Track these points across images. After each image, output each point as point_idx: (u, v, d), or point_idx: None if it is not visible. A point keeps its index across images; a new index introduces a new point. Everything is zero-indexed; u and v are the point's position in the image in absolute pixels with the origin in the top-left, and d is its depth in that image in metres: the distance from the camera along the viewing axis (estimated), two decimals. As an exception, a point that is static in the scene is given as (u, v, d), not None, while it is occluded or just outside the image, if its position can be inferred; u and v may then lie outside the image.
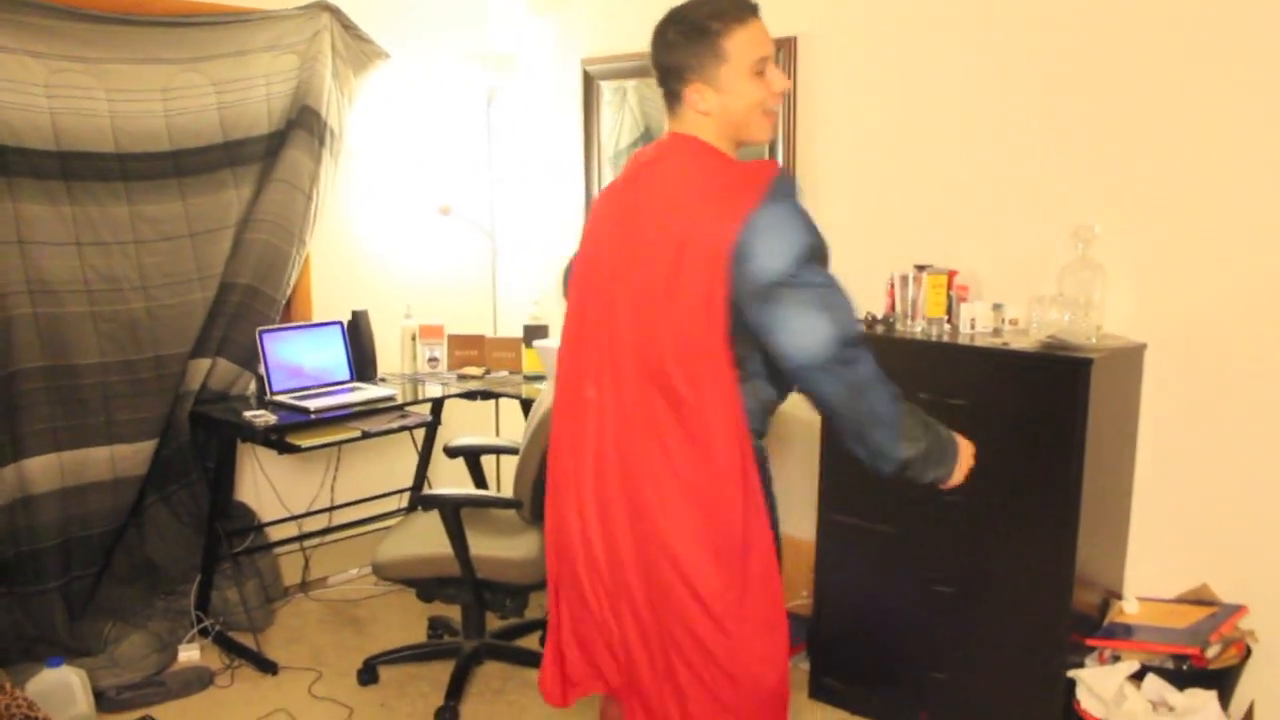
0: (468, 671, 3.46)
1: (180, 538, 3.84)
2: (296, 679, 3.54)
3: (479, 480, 3.93)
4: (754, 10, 2.01)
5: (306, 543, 4.22)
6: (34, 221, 3.34)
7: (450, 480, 4.30)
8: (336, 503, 4.30)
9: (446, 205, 4.44)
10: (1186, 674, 2.78)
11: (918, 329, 3.16)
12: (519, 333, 4.32)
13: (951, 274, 3.18)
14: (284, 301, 3.93)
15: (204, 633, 3.73)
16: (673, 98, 2.06)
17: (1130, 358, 2.99)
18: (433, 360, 4.29)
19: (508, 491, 3.49)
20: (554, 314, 4.41)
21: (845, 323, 1.94)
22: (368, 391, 3.81)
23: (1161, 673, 2.78)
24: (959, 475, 2.16)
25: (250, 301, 3.80)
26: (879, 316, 3.26)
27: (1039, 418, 2.82)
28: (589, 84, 4.35)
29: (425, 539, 3.36)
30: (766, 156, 3.73)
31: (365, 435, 3.59)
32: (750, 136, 2.07)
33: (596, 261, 2.13)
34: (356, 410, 3.65)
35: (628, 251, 2.05)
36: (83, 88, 3.39)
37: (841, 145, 3.62)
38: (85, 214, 3.44)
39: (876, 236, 3.55)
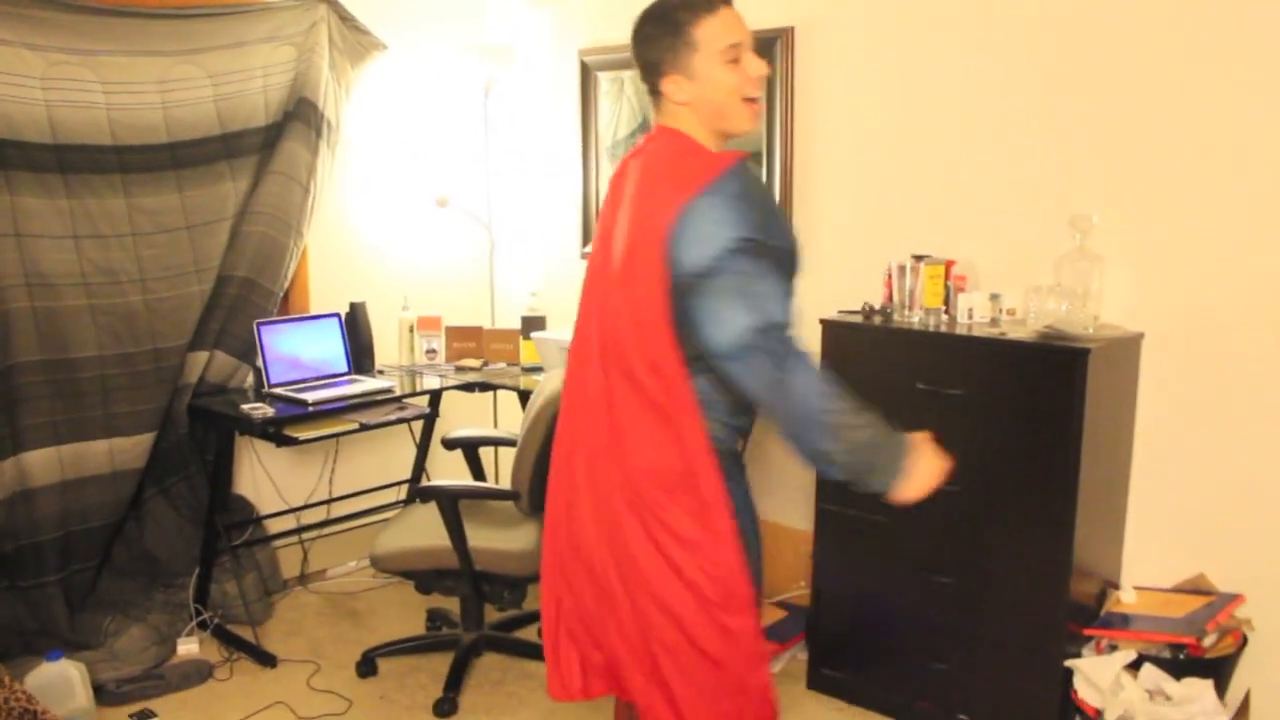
0: (466, 663, 3.47)
1: (179, 531, 3.84)
2: (295, 671, 3.54)
3: (477, 472, 3.93)
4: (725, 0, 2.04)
5: (305, 535, 4.22)
6: (31, 215, 3.33)
7: (448, 472, 4.30)
8: (335, 495, 4.30)
9: (444, 197, 4.44)
10: (1183, 663, 2.78)
11: (915, 319, 3.16)
12: (517, 324, 4.32)
13: (949, 264, 3.18)
14: (281, 294, 3.93)
15: (203, 626, 3.74)
16: (654, 92, 2.09)
17: (1127, 347, 2.99)
18: (430, 352, 4.29)
19: (506, 483, 3.50)
20: (552, 305, 4.41)
21: (766, 311, 1.90)
22: (366, 384, 3.81)
23: (1158, 662, 2.79)
24: (913, 490, 1.98)
25: (248, 294, 3.80)
26: (877, 307, 3.26)
27: (1036, 407, 2.82)
28: (586, 75, 4.34)
29: (423, 531, 3.37)
30: (765, 145, 3.73)
31: (363, 427, 3.59)
32: (732, 126, 2.07)
33: (593, 252, 2.18)
34: (354, 402, 3.65)
35: (607, 241, 2.10)
36: (79, 80, 3.38)
37: (839, 135, 3.62)
38: (82, 207, 3.44)
39: (874, 227, 3.55)
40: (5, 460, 3.35)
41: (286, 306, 4.10)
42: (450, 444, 3.82)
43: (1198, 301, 2.91)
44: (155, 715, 3.23)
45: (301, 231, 3.90)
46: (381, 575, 4.18)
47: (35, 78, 3.28)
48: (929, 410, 2.98)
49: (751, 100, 2.05)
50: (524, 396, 3.93)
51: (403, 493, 4.42)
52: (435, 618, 3.85)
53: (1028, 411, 2.84)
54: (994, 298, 3.15)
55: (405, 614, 3.98)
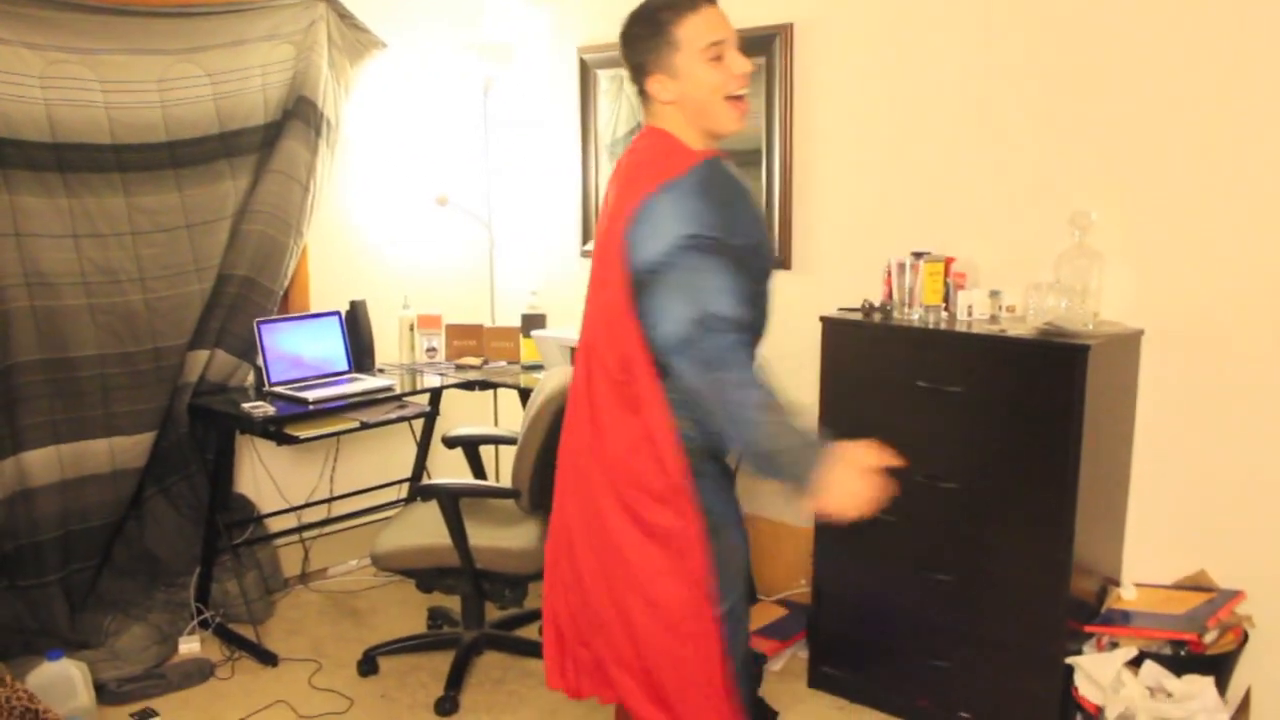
0: (467, 662, 3.47)
1: (180, 530, 3.84)
2: (296, 670, 3.54)
3: (477, 470, 3.93)
4: None
5: (306, 534, 4.22)
6: (30, 214, 3.33)
7: (449, 470, 4.30)
8: (335, 494, 4.31)
9: (443, 195, 4.44)
10: (1184, 660, 2.78)
11: (915, 316, 3.16)
12: (517, 322, 4.32)
13: (949, 261, 3.18)
14: (281, 292, 3.93)
15: (204, 625, 3.74)
16: (642, 93, 2.11)
17: (1127, 344, 2.99)
18: (431, 350, 4.29)
19: (506, 481, 3.50)
20: (552, 303, 4.41)
21: (708, 306, 1.89)
22: (366, 382, 3.81)
23: (1159, 659, 2.78)
24: (832, 505, 1.85)
25: (248, 293, 3.80)
26: (876, 304, 3.25)
27: (1036, 404, 2.82)
28: (586, 73, 4.34)
29: (424, 529, 3.37)
30: (764, 143, 3.73)
31: (364, 426, 3.59)
32: (717, 125, 2.08)
33: (593, 251, 2.21)
34: (355, 401, 3.65)
35: (596, 240, 2.16)
36: (78, 79, 3.38)
37: (838, 132, 3.61)
38: (82, 206, 3.44)
39: (873, 224, 3.55)
40: (5, 460, 3.35)
41: (286, 305, 4.10)
42: (451, 442, 3.82)
43: (1197, 298, 2.91)
44: (157, 714, 3.23)
45: (301, 230, 3.89)
46: (382, 574, 4.18)
47: (34, 76, 3.28)
48: (929, 408, 2.99)
49: (736, 98, 2.06)
50: (524, 395, 3.93)
51: (403, 491, 4.43)
52: (436, 616, 3.85)
53: (1028, 408, 2.83)
54: (994, 295, 3.15)
55: (406, 612, 3.98)
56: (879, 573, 3.17)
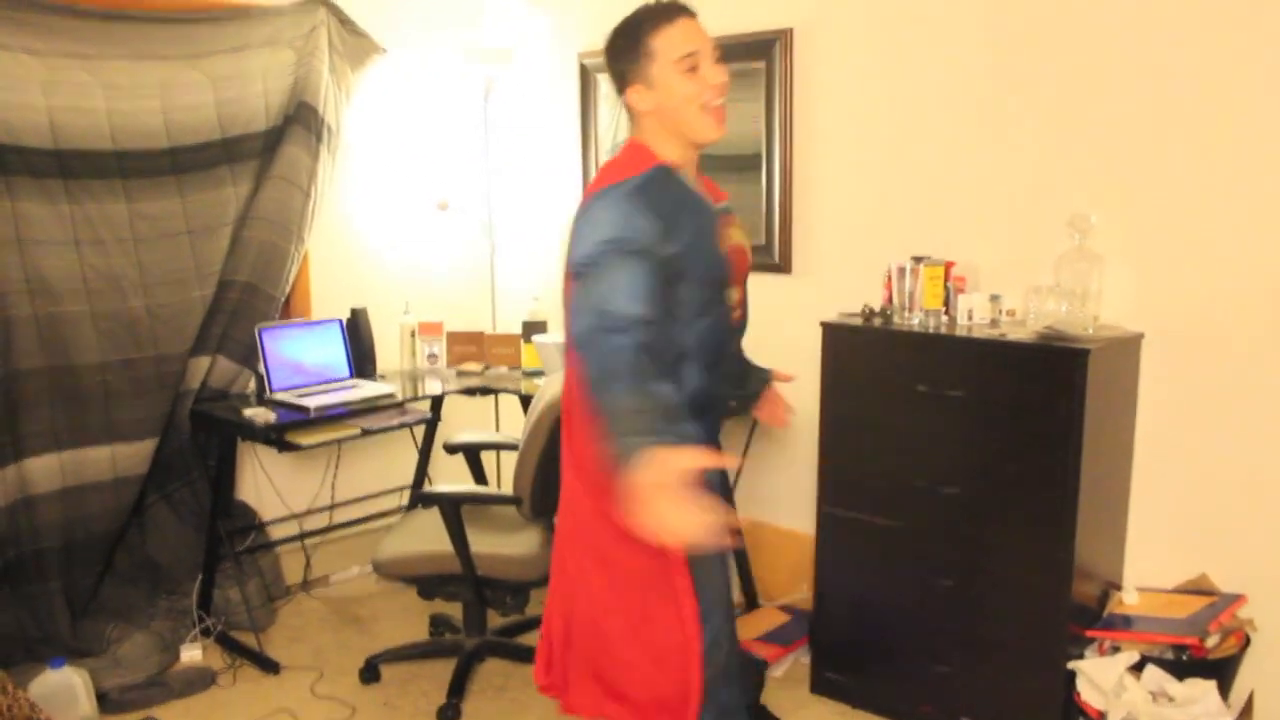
0: (470, 669, 3.46)
1: (182, 537, 3.84)
2: (298, 678, 3.54)
3: (479, 477, 3.93)
4: (682, 11, 2.10)
5: (308, 541, 4.22)
6: (32, 220, 3.34)
7: (450, 477, 4.30)
8: (337, 501, 4.31)
9: (444, 200, 4.44)
10: (1186, 664, 2.78)
11: (915, 321, 3.16)
12: (518, 328, 4.32)
13: (949, 265, 3.18)
14: (283, 298, 3.93)
15: (206, 632, 3.74)
16: (624, 104, 2.17)
17: (1127, 347, 2.99)
18: (432, 357, 4.29)
19: (508, 488, 3.49)
20: (553, 309, 4.41)
21: (608, 301, 1.88)
22: (367, 389, 3.81)
23: (1161, 663, 2.78)
24: (639, 523, 1.72)
25: (249, 299, 3.80)
26: (876, 309, 3.25)
27: (1037, 408, 2.81)
28: (586, 78, 4.34)
29: (426, 536, 3.36)
30: (764, 147, 3.73)
31: (365, 433, 3.59)
32: (694, 134, 2.12)
33: None
34: (356, 408, 3.65)
35: None
36: (80, 85, 3.38)
37: (838, 136, 3.61)
38: (83, 212, 3.44)
39: (873, 228, 3.55)
40: (7, 467, 3.35)
41: (288, 311, 4.10)
42: (452, 449, 3.82)
43: (1197, 300, 2.91)
44: (158, 722, 3.24)
45: (302, 236, 3.90)
46: (384, 581, 4.17)
47: (36, 83, 3.29)
48: (930, 412, 2.99)
49: (711, 109, 2.09)
50: (525, 401, 3.93)
51: (405, 498, 4.43)
52: (438, 623, 3.85)
53: (1028, 412, 2.83)
54: (994, 299, 3.15)
55: (408, 620, 3.98)
56: (881, 577, 3.17)
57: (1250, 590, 2.89)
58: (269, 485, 4.11)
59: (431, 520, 3.36)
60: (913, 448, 3.05)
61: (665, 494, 1.69)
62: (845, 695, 3.31)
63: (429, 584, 3.39)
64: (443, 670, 3.46)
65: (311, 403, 3.59)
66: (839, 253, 3.65)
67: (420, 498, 3.61)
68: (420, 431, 4.33)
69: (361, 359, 4.05)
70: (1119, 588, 3.08)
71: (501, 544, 3.30)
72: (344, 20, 3.97)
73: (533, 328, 4.23)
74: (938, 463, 2.99)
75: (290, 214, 3.82)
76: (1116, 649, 2.87)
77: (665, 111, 2.09)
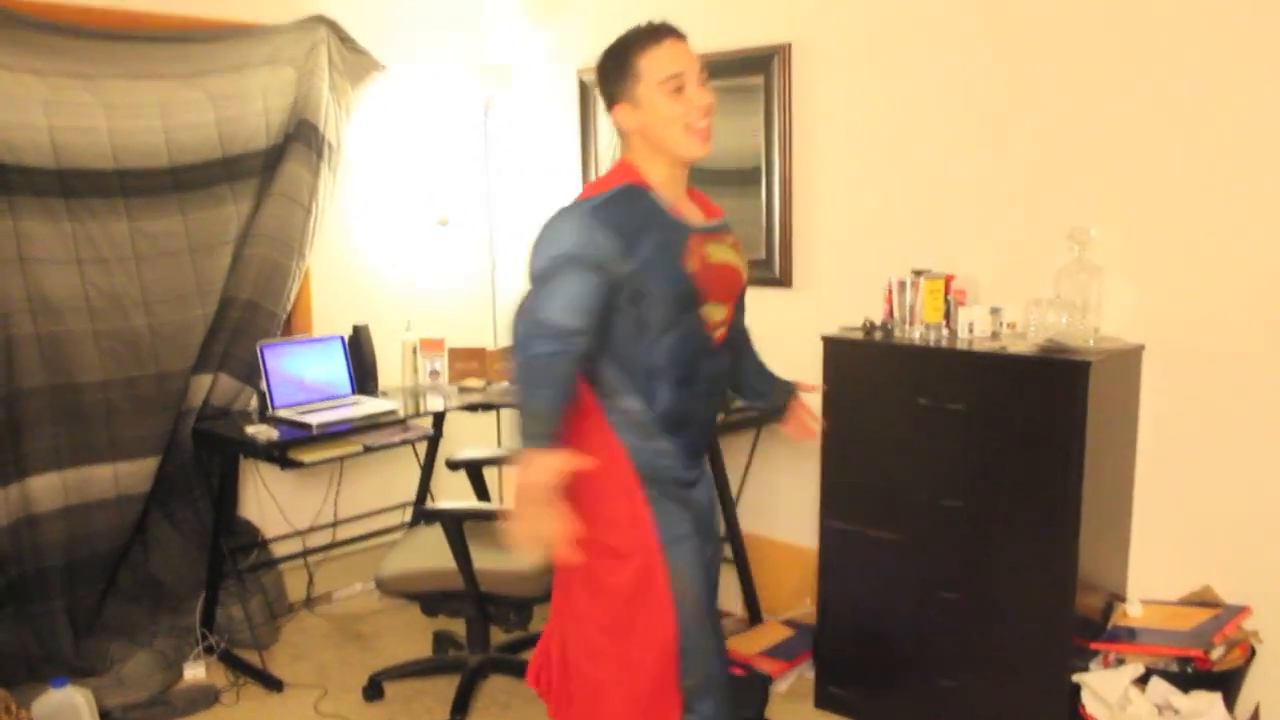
0: (473, 686, 3.45)
1: (184, 555, 3.84)
2: (302, 696, 3.53)
3: (481, 493, 3.92)
4: (670, 32, 2.13)
5: (310, 558, 4.22)
6: (34, 239, 3.35)
7: (453, 493, 4.30)
8: (340, 518, 4.30)
9: (445, 216, 4.45)
10: (1191, 676, 2.77)
11: (916, 334, 3.16)
12: (519, 344, 4.31)
13: (949, 278, 3.18)
14: (284, 316, 3.94)
15: (209, 650, 3.73)
16: (612, 123, 2.20)
17: (1128, 359, 2.99)
18: (434, 373, 4.28)
19: (510, 504, 3.49)
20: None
21: (541, 309, 1.94)
22: (369, 405, 3.81)
23: (1166, 675, 2.78)
24: (514, 510, 1.93)
25: (251, 316, 3.81)
26: (877, 323, 3.26)
27: (1038, 421, 2.81)
28: (585, 94, 4.36)
29: (428, 553, 3.36)
30: (764, 162, 3.74)
31: (367, 449, 3.59)
32: (680, 153, 2.14)
33: None
34: (358, 424, 3.65)
35: None
36: (82, 105, 3.40)
37: (837, 150, 3.62)
38: (85, 231, 3.45)
39: (873, 242, 3.55)
40: (9, 486, 3.36)
41: (289, 328, 4.11)
42: (454, 465, 3.82)
43: (1198, 312, 2.91)
44: (161, 741, 3.23)
45: (304, 253, 3.91)
46: (387, 598, 4.16)
47: (38, 102, 3.31)
48: (931, 426, 2.99)
49: (696, 129, 2.11)
50: (527, 416, 3.92)
51: (407, 514, 4.42)
52: (441, 640, 3.84)
53: (1030, 425, 2.83)
54: (994, 311, 3.15)
55: (411, 636, 3.97)
56: (884, 591, 3.17)
57: (1255, 602, 2.88)
58: (271, 502, 4.11)
59: (434, 537, 3.36)
60: (915, 461, 3.05)
61: (532, 493, 1.90)
62: (850, 710, 3.30)
63: (432, 601, 3.38)
64: (446, 687, 3.45)
65: (314, 420, 3.59)
66: (839, 266, 3.66)
67: (423, 514, 3.60)
68: (422, 448, 4.33)
69: (363, 375, 4.05)
70: (1123, 600, 3.07)
71: (504, 560, 3.29)
72: (344, 38, 3.99)
73: (534, 343, 4.22)
74: (940, 476, 2.99)
75: (291, 231, 3.83)
76: (1121, 661, 2.86)
77: (650, 131, 2.12)
